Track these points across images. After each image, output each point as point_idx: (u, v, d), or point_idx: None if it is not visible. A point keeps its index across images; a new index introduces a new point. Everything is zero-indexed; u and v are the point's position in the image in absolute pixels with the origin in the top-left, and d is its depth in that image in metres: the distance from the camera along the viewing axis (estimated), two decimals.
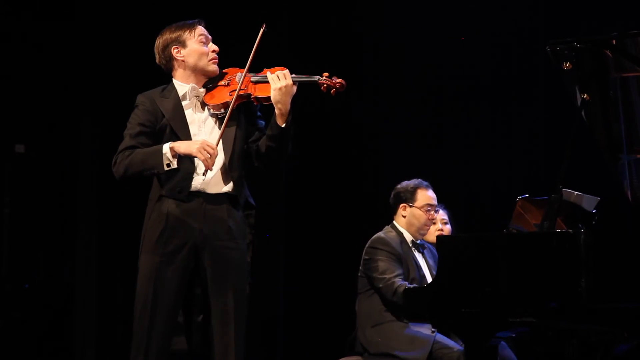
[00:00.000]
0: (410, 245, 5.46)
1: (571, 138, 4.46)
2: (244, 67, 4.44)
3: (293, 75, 4.34)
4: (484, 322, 4.37)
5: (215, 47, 4.46)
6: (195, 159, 4.29)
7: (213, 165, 4.26)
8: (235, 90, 4.35)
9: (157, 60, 4.50)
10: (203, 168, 4.27)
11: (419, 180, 5.57)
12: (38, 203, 6.91)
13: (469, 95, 7.08)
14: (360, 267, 5.43)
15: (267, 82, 4.35)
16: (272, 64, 4.46)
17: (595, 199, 4.90)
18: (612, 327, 4.52)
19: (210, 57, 4.45)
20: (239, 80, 4.38)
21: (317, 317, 7.07)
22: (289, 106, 4.32)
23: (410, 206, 5.49)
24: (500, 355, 5.06)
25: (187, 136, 4.35)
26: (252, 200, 4.48)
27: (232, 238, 4.35)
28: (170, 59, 4.46)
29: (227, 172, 4.37)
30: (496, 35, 7.00)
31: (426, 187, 5.54)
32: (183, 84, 4.45)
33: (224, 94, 4.41)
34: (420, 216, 5.47)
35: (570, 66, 4.49)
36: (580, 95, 4.57)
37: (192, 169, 4.34)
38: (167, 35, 4.46)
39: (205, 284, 4.33)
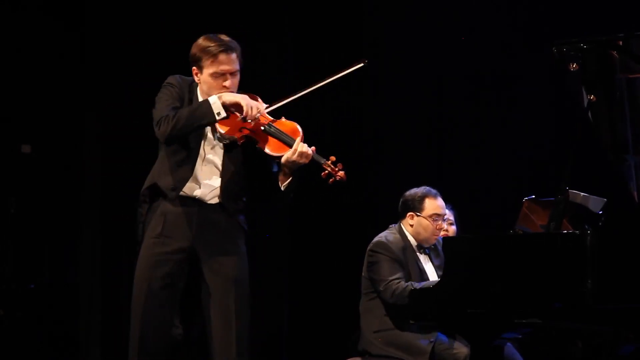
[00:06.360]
0: (415, 248, 5.40)
1: (577, 139, 4.46)
2: (267, 103, 4.36)
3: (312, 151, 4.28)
4: (490, 323, 4.38)
5: (228, 84, 4.31)
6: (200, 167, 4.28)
7: (252, 119, 4.22)
8: (245, 128, 4.30)
9: None
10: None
11: (428, 188, 5.38)
12: (43, 203, 6.91)
13: (474, 95, 7.07)
14: (364, 268, 5.40)
15: (279, 139, 4.29)
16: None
17: (601, 200, 4.89)
18: (617, 328, 4.52)
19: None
20: (252, 120, 4.29)
21: (321, 318, 7.07)
22: (294, 172, 4.32)
23: (418, 215, 5.32)
24: (505, 356, 5.05)
25: (197, 146, 4.32)
26: (245, 227, 4.43)
27: (230, 241, 4.34)
28: (192, 72, 4.42)
29: (225, 189, 4.34)
30: (502, 34, 6.99)
31: (434, 196, 5.35)
32: (202, 98, 4.40)
33: (234, 127, 4.32)
34: (427, 226, 5.31)
35: (577, 67, 4.49)
36: (587, 96, 4.56)
37: (189, 175, 4.32)
38: (194, 51, 4.35)
39: (204, 285, 4.32)
